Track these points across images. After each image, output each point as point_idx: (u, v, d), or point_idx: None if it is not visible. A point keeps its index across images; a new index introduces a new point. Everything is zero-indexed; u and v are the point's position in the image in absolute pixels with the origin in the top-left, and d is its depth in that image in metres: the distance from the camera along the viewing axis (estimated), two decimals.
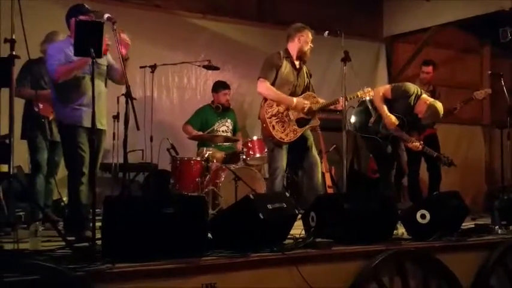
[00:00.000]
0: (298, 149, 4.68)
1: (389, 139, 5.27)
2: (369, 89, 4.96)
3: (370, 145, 5.45)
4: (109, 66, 4.11)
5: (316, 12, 7.19)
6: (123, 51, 3.76)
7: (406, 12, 7.73)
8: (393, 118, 5.12)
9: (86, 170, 3.84)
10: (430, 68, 6.16)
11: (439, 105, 5.21)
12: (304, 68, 4.85)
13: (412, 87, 5.28)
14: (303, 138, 4.73)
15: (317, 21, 6.83)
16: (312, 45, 4.80)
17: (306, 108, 4.67)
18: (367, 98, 5.07)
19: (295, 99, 4.64)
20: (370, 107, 5.23)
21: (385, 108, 5.16)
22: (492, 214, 4.60)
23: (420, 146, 5.25)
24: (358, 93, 4.86)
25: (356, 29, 7.31)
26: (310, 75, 4.88)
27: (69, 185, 3.95)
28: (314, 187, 4.68)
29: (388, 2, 8.02)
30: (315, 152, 4.81)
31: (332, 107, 4.84)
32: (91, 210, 4.22)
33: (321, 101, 4.83)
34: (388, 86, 5.19)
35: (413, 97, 5.21)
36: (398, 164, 5.34)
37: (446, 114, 6.00)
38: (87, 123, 3.84)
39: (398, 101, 5.19)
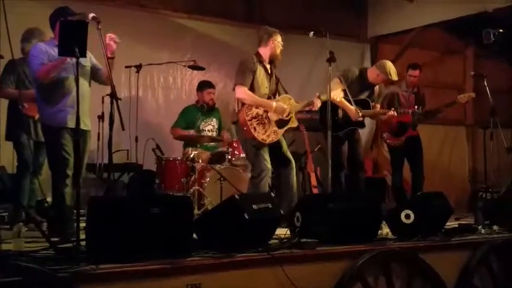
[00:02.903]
0: (274, 151, 4.69)
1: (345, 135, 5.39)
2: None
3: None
4: (93, 67, 4.08)
5: (302, 13, 7.22)
6: (109, 50, 3.74)
7: (391, 13, 7.79)
8: (354, 109, 5.21)
9: (70, 172, 3.81)
10: (417, 72, 6.22)
11: (384, 61, 5.52)
12: (274, 73, 4.85)
13: (354, 68, 5.54)
14: (277, 141, 4.74)
15: (302, 21, 6.90)
16: (282, 47, 4.80)
17: (286, 112, 4.68)
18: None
19: (274, 103, 4.65)
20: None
21: (345, 102, 5.21)
22: (475, 214, 4.66)
23: (394, 112, 5.51)
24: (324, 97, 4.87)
25: (341, 30, 7.34)
26: (278, 80, 4.87)
27: (53, 187, 3.92)
28: (290, 189, 4.70)
29: (373, 3, 8.07)
30: (289, 153, 4.83)
31: (307, 108, 4.87)
32: (75, 211, 4.22)
33: (296, 103, 4.83)
34: (335, 80, 5.16)
35: (359, 74, 5.45)
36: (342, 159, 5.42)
37: (430, 116, 6.09)
38: (71, 124, 3.80)
39: (351, 86, 5.25)
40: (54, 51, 3.74)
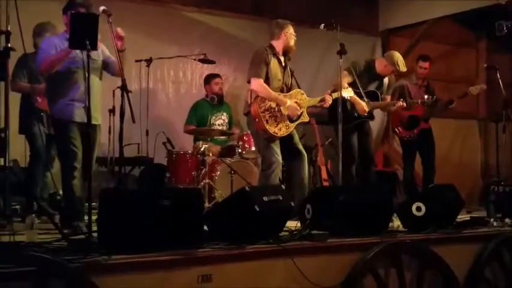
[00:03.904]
0: (285, 144, 4.69)
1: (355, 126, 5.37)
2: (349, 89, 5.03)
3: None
4: (105, 60, 4.09)
5: (311, 6, 7.19)
6: (118, 43, 3.75)
7: (402, 6, 7.72)
8: (363, 104, 5.19)
9: (78, 164, 3.83)
10: (427, 64, 6.18)
11: (392, 52, 5.52)
12: (289, 65, 4.84)
13: (361, 60, 5.50)
14: (289, 134, 4.73)
15: (312, 14, 6.87)
16: (295, 38, 4.79)
17: (297, 113, 4.66)
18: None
19: (288, 101, 4.63)
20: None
21: (354, 96, 5.18)
22: (487, 207, 4.64)
23: (403, 103, 5.47)
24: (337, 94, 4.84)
25: (352, 23, 7.30)
26: (292, 73, 4.86)
27: (62, 179, 3.95)
28: (302, 181, 4.70)
29: None
30: (300, 146, 4.82)
31: (319, 104, 4.86)
32: (86, 204, 4.25)
33: (308, 99, 4.82)
34: (343, 72, 5.12)
35: (366, 65, 5.43)
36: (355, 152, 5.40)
37: (442, 108, 6.06)
38: (79, 118, 3.82)
39: (359, 77, 5.22)
40: (64, 45, 3.75)
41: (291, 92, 4.78)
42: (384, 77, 5.55)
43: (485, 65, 6.69)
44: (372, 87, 5.45)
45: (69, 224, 3.68)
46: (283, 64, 4.76)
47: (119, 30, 3.79)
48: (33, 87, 4.59)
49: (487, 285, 3.98)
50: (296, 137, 4.82)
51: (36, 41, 4.65)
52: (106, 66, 4.08)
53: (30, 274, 2.44)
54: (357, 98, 5.20)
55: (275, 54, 4.70)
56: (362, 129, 5.48)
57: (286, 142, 4.70)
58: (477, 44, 8.74)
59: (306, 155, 4.82)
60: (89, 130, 3.45)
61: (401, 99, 5.56)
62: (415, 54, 7.07)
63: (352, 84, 5.17)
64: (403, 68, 5.43)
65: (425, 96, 5.77)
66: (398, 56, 5.43)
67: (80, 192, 3.84)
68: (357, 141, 5.42)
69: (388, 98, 5.62)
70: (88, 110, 3.29)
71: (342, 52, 4.55)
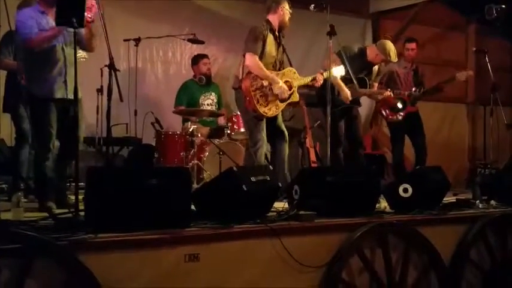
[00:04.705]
0: (269, 123, 4.69)
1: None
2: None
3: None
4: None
5: None
6: (88, 14, 3.63)
7: None
8: (347, 92, 5.19)
9: (53, 146, 3.78)
10: (413, 45, 6.19)
11: (384, 41, 5.51)
12: (282, 42, 4.82)
13: (353, 45, 5.50)
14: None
15: None
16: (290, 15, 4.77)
17: (285, 96, 4.64)
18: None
19: (280, 83, 4.61)
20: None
21: (340, 82, 5.17)
22: (473, 189, 4.67)
23: (390, 93, 5.55)
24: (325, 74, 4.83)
25: (343, 5, 7.24)
26: (285, 49, 4.84)
27: (35, 160, 3.92)
28: (282, 162, 4.72)
29: None
30: (283, 126, 4.83)
31: (310, 83, 4.85)
32: (68, 184, 4.23)
33: (300, 77, 4.81)
34: (334, 56, 5.08)
35: (359, 51, 5.42)
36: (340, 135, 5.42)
37: (429, 94, 6.09)
38: (60, 94, 3.78)
39: (351, 62, 5.19)
40: (40, 18, 3.71)
41: (284, 70, 4.76)
42: (374, 65, 5.54)
43: (475, 49, 6.68)
44: (362, 74, 5.43)
45: (40, 204, 3.65)
46: (278, 40, 4.74)
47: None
48: (19, 64, 4.53)
49: (472, 266, 4.03)
50: (280, 118, 4.82)
51: None
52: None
53: (16, 252, 2.44)
54: (342, 84, 5.19)
55: (272, 30, 4.68)
56: (350, 114, 5.49)
57: (270, 121, 4.70)
58: (467, 28, 8.74)
59: (287, 135, 4.83)
60: (70, 105, 3.37)
61: (389, 89, 5.57)
62: (405, 37, 7.05)
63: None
64: (394, 58, 5.43)
65: (413, 89, 5.80)
66: (390, 46, 5.41)
67: (51, 173, 3.79)
68: (344, 125, 5.44)
69: (376, 85, 5.63)
70: (75, 86, 3.21)
71: (331, 33, 4.54)
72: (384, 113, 6.15)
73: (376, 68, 5.59)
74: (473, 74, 6.09)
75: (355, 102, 5.43)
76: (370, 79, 5.50)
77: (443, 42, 8.46)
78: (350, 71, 4.95)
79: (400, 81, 6.03)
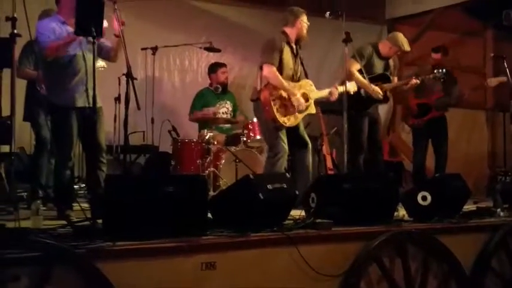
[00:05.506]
0: (291, 133, 4.68)
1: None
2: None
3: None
4: (100, 44, 4.02)
5: None
6: (117, 28, 3.71)
7: None
8: (377, 89, 5.18)
9: (73, 154, 3.82)
10: (438, 55, 6.22)
11: (394, 33, 5.56)
12: (299, 54, 4.82)
13: (366, 44, 5.46)
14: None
15: (318, 3, 6.81)
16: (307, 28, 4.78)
17: (303, 109, 4.64)
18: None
19: (298, 94, 4.61)
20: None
21: (366, 82, 5.14)
22: (494, 197, 4.60)
23: (417, 80, 5.49)
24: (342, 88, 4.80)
25: (358, 12, 7.24)
26: (302, 61, 4.83)
27: (55, 168, 3.96)
28: (305, 170, 4.70)
29: None
30: (306, 135, 4.82)
31: (325, 99, 4.84)
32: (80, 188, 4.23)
33: (317, 91, 4.81)
34: (351, 60, 5.11)
35: (372, 49, 5.39)
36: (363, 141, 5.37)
37: (457, 95, 6.06)
38: (80, 103, 3.82)
39: (371, 62, 5.22)
40: (59, 28, 3.76)
41: (301, 82, 4.76)
42: (389, 59, 5.53)
43: (493, 55, 6.61)
44: (380, 70, 5.42)
45: (60, 213, 3.68)
46: (295, 52, 4.74)
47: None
48: (39, 74, 4.59)
49: (493, 274, 3.96)
50: (302, 127, 4.81)
51: None
52: (100, 50, 4.02)
53: (35, 260, 2.45)
54: (367, 82, 5.13)
55: (288, 42, 4.68)
56: (372, 116, 5.45)
57: (292, 131, 4.69)
58: (484, 33, 8.66)
59: (310, 144, 4.81)
60: (92, 113, 3.41)
61: (414, 77, 5.54)
62: (421, 43, 7.02)
63: (361, 71, 5.15)
64: (407, 47, 5.42)
65: (435, 71, 5.66)
66: (402, 37, 5.42)
67: (70, 182, 3.85)
68: (367, 129, 5.39)
69: (396, 79, 5.59)
70: (94, 95, 3.26)
71: (347, 40, 4.53)
72: (407, 119, 6.12)
73: (391, 62, 5.57)
74: (505, 80, 5.94)
75: (384, 98, 5.40)
76: (389, 74, 5.48)
77: (461, 48, 8.38)
78: (372, 71, 4.92)
79: (426, 87, 5.97)
